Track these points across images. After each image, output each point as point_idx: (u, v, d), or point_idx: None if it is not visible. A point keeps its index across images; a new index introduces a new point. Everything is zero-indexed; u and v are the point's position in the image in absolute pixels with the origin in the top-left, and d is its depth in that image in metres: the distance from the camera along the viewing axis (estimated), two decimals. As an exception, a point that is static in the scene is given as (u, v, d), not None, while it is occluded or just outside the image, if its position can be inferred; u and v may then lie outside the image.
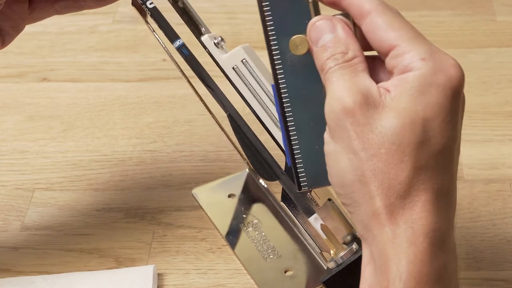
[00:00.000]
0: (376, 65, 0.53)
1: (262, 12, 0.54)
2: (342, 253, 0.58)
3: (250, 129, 0.61)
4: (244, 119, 0.63)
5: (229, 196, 0.72)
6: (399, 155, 0.49)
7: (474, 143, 0.77)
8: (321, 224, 0.59)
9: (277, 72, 0.55)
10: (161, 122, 0.80)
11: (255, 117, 0.61)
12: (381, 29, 0.51)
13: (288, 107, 0.56)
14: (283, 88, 0.55)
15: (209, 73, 0.63)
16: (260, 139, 0.63)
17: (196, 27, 0.62)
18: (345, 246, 0.59)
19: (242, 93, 0.61)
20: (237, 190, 0.72)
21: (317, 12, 0.54)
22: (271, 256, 0.66)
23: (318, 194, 0.60)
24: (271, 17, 0.54)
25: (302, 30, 0.54)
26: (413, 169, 0.49)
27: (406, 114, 0.49)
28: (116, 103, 0.83)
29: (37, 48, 0.89)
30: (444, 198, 0.50)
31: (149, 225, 0.70)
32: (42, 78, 0.85)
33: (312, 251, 0.67)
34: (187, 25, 0.62)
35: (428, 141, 0.49)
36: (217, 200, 0.72)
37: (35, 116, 0.81)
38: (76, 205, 0.72)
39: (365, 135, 0.49)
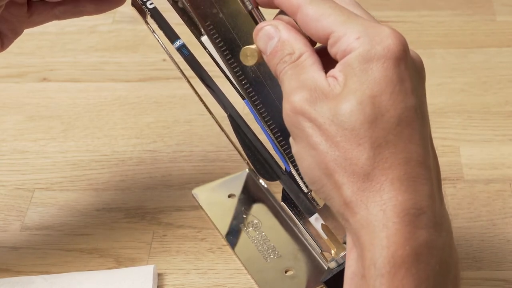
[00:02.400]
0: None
1: (210, 35, 0.55)
2: (343, 253, 0.58)
3: (250, 129, 0.62)
4: (244, 119, 0.63)
5: (229, 196, 0.72)
6: (355, 139, 0.48)
7: (474, 143, 0.77)
8: (321, 224, 0.59)
9: (245, 87, 0.56)
10: (161, 122, 0.80)
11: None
12: (313, 20, 0.51)
13: (267, 116, 0.56)
14: (256, 100, 0.56)
15: (209, 73, 0.63)
16: (260, 139, 0.63)
17: (196, 27, 0.62)
18: (345, 245, 0.59)
19: (242, 93, 0.61)
20: (237, 190, 0.72)
21: (260, 18, 0.55)
22: (272, 256, 0.66)
23: (318, 194, 0.60)
24: (219, 38, 0.55)
25: (251, 40, 0.55)
26: (372, 149, 0.48)
27: (352, 96, 0.49)
28: (116, 103, 0.83)
29: (37, 48, 0.89)
30: (417, 170, 0.49)
31: (149, 225, 0.70)
32: (42, 78, 0.85)
33: (313, 251, 0.67)
34: (187, 25, 0.62)
35: (381, 117, 0.48)
36: (217, 200, 0.72)
37: (35, 116, 0.81)
38: (76, 205, 0.72)
39: (319, 128, 0.49)
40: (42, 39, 0.90)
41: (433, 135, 0.77)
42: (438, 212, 0.49)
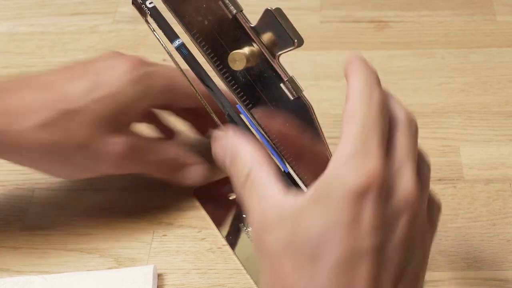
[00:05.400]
0: None
1: (197, 43, 0.55)
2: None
3: (249, 129, 0.61)
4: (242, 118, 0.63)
5: (230, 195, 0.72)
6: (289, 269, 0.47)
7: (474, 143, 0.77)
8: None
9: (236, 91, 0.56)
10: (161, 122, 0.80)
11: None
12: None
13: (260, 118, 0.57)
14: (248, 104, 0.56)
15: (208, 72, 0.63)
16: (258, 139, 0.63)
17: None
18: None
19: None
20: (238, 189, 0.72)
21: (246, 21, 0.55)
22: (271, 256, 0.66)
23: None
24: (207, 46, 0.55)
25: (238, 44, 0.55)
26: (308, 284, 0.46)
27: (298, 227, 0.47)
28: (116, 103, 0.83)
29: (37, 48, 0.89)
30: None
31: (149, 225, 0.70)
32: (42, 78, 0.85)
33: (312, 251, 0.66)
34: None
35: (322, 257, 0.46)
36: (217, 199, 0.72)
37: (35, 116, 0.81)
38: (76, 205, 0.72)
39: (265, 255, 0.48)
40: (42, 39, 0.90)
41: (433, 135, 0.78)
42: None
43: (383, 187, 0.47)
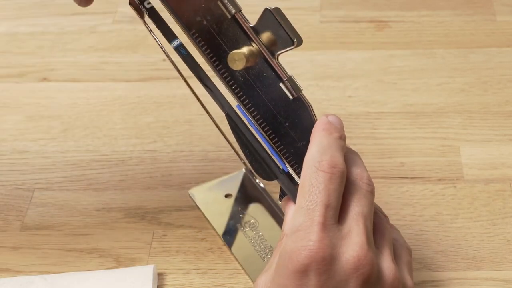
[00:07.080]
0: None
1: (196, 43, 0.55)
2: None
3: (248, 128, 0.61)
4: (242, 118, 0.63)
5: (226, 196, 0.72)
6: None
7: (474, 143, 0.77)
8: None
9: (235, 91, 0.56)
10: (161, 122, 0.80)
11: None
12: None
13: (259, 118, 0.57)
14: (248, 103, 0.56)
15: (207, 72, 0.63)
16: (258, 139, 0.63)
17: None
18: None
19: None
20: (234, 190, 0.72)
21: (244, 21, 0.55)
22: (268, 256, 0.66)
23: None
24: (206, 45, 0.55)
25: (237, 44, 0.55)
26: None
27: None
28: (116, 103, 0.83)
29: (37, 48, 0.89)
30: None
31: (149, 225, 0.70)
32: (42, 78, 0.85)
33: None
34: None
35: None
36: (214, 200, 0.72)
37: (35, 116, 0.81)
38: (76, 205, 0.72)
39: None
40: (42, 39, 0.90)
41: (433, 135, 0.78)
42: None
43: (324, 260, 0.52)
